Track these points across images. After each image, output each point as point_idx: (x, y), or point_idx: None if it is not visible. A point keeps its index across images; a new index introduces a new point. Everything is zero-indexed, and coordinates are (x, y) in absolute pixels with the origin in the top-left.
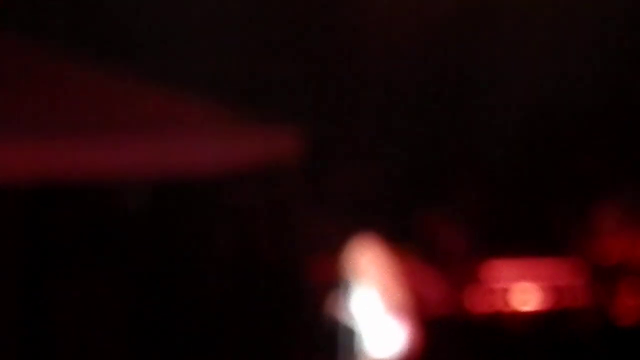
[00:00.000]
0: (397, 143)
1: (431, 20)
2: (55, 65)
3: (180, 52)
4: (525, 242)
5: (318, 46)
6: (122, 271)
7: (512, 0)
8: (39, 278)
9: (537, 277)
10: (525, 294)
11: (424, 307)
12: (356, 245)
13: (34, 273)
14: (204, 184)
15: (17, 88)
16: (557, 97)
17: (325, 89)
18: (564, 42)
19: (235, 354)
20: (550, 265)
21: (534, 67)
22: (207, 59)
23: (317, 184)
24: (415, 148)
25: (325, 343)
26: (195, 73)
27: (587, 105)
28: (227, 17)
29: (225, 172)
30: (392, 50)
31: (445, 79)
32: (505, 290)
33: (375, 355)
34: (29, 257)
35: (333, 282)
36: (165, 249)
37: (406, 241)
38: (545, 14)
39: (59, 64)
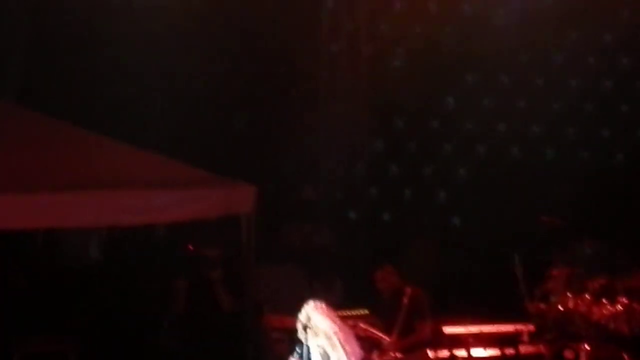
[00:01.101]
0: (348, 202)
1: None
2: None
3: (139, 112)
4: (479, 303)
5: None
6: (76, 318)
7: None
8: None
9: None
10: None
11: (373, 359)
12: (310, 303)
13: None
14: (162, 235)
15: None
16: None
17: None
18: None
19: None
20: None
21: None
22: (166, 116)
23: (271, 239)
24: (369, 205)
25: None
26: (155, 130)
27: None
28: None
29: (183, 224)
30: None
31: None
32: (459, 342)
33: None
34: None
35: (288, 334)
36: (121, 300)
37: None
38: None
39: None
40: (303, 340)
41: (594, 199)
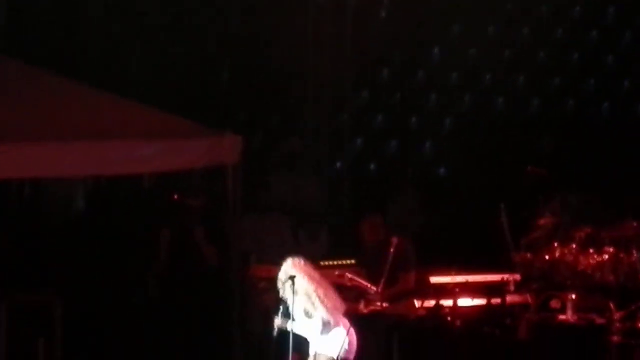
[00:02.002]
0: (339, 151)
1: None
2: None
3: (124, 62)
4: (465, 253)
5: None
6: (63, 276)
7: None
8: None
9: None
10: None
11: (361, 310)
12: (294, 257)
13: None
14: (147, 185)
15: None
16: (502, 107)
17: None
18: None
19: (175, 355)
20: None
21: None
22: (150, 68)
23: (257, 189)
24: (355, 156)
25: (267, 348)
26: (140, 80)
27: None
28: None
29: (168, 174)
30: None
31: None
32: (445, 292)
33: (322, 354)
34: None
35: (273, 288)
36: (106, 251)
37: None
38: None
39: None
40: (286, 297)
41: (579, 149)
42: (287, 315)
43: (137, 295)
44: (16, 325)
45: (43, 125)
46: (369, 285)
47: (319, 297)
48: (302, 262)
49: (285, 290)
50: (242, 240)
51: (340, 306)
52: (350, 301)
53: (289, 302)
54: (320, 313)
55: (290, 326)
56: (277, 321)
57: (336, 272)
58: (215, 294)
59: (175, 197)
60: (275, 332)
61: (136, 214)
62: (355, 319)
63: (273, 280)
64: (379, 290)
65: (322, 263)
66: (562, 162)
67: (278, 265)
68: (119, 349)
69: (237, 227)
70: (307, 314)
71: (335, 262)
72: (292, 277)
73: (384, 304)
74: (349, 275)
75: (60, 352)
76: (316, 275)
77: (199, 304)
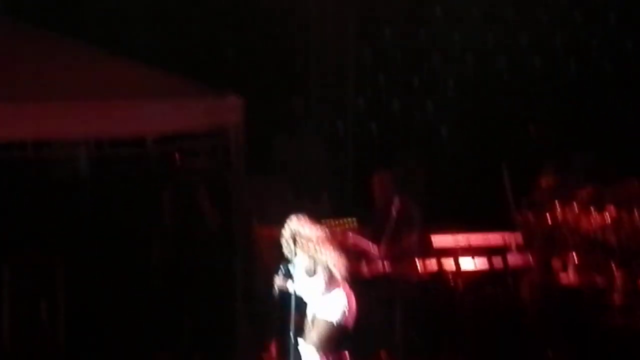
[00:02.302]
0: (341, 112)
1: None
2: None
3: (125, 23)
4: (467, 213)
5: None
6: (66, 237)
7: None
8: None
9: (477, 242)
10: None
11: (363, 271)
12: (298, 215)
13: None
14: (149, 146)
15: None
16: (504, 67)
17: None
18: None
19: (181, 320)
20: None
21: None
22: (154, 28)
23: (260, 150)
24: (361, 115)
25: (269, 309)
26: (142, 41)
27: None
28: None
29: (170, 137)
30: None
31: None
32: (447, 253)
33: (320, 318)
34: None
35: (275, 249)
36: (109, 213)
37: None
38: None
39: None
40: (289, 255)
41: (582, 108)
42: (288, 274)
43: (140, 256)
44: (19, 285)
45: (45, 86)
46: (371, 246)
47: (323, 256)
48: (307, 220)
49: (288, 248)
50: (245, 201)
51: (344, 267)
52: (352, 262)
53: (293, 261)
54: (323, 272)
55: (292, 286)
56: (278, 280)
57: (338, 233)
58: (219, 254)
59: (178, 158)
60: (275, 292)
61: (139, 175)
62: (357, 281)
63: (276, 241)
64: (381, 250)
65: (324, 223)
66: (565, 122)
67: (281, 226)
68: (123, 309)
69: (241, 188)
70: (309, 273)
71: (336, 223)
72: (296, 234)
73: (385, 264)
74: (351, 236)
75: (63, 313)
76: (321, 233)
77: (202, 264)
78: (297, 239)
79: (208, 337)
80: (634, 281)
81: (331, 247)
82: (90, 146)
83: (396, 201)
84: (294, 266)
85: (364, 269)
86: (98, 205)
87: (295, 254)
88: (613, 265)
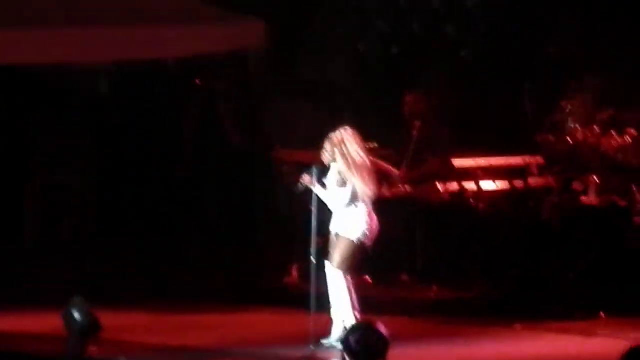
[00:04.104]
0: (366, 32)
1: None
2: None
3: None
4: (488, 135)
5: None
6: (85, 155)
7: None
8: None
9: (499, 163)
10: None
11: (384, 193)
12: (347, 129)
13: None
14: (173, 68)
15: None
16: None
17: None
18: None
19: (205, 236)
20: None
21: None
22: None
23: (281, 74)
24: (387, 36)
25: (288, 230)
26: None
27: None
28: None
29: (193, 58)
30: None
31: None
32: (468, 175)
33: (342, 236)
34: None
35: (298, 168)
36: (133, 132)
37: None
38: None
39: None
40: (328, 160)
41: (602, 29)
42: (318, 178)
43: (163, 177)
44: (45, 205)
45: (65, 11)
46: (391, 168)
47: (355, 174)
48: (358, 137)
49: (330, 153)
50: (267, 123)
51: (371, 189)
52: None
53: (330, 165)
54: (352, 187)
55: (317, 189)
56: (307, 178)
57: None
58: (242, 174)
59: (198, 81)
60: (300, 187)
61: (161, 98)
62: (378, 202)
63: (297, 164)
64: (402, 172)
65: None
66: (587, 43)
67: (303, 149)
68: (146, 229)
69: (263, 110)
70: (339, 184)
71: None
72: (343, 144)
73: (407, 187)
74: (372, 159)
75: (87, 233)
76: (365, 150)
77: (225, 186)
78: (342, 148)
79: (230, 260)
80: None
81: (363, 172)
82: (110, 69)
83: (417, 124)
84: (326, 172)
85: (386, 191)
86: (121, 129)
87: (334, 160)
88: (633, 187)
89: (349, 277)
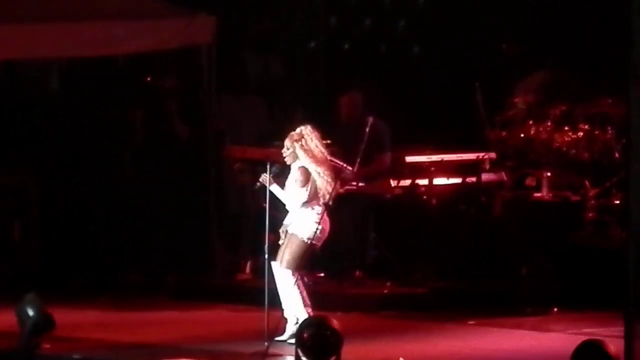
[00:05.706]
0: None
1: None
2: None
3: None
4: (440, 132)
5: None
6: (37, 150)
7: None
8: None
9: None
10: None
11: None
12: (307, 126)
13: None
14: (121, 66)
15: None
16: None
17: None
18: None
19: (156, 233)
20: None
21: None
22: None
23: (231, 69)
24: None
25: (240, 227)
26: None
27: None
28: None
29: (140, 54)
30: None
31: None
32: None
33: (294, 234)
34: None
35: (249, 165)
36: (80, 132)
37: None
38: None
39: None
40: (288, 159)
41: (553, 25)
42: (276, 176)
43: (112, 175)
44: None
45: (17, 8)
46: (344, 165)
47: (316, 172)
48: (318, 135)
49: (291, 151)
50: (217, 120)
51: (328, 187)
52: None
53: (291, 163)
54: (311, 186)
55: (274, 188)
56: (264, 177)
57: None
58: (192, 172)
59: (148, 78)
60: (257, 186)
61: (110, 95)
62: (331, 199)
63: (249, 161)
64: (355, 170)
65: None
66: (538, 39)
67: (253, 146)
68: (95, 229)
69: (213, 107)
70: (299, 183)
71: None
72: (303, 141)
73: (359, 184)
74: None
75: (37, 233)
76: (322, 153)
77: (176, 183)
78: (302, 143)
79: (181, 258)
80: (606, 198)
81: (324, 167)
82: (61, 65)
83: (369, 120)
84: (285, 170)
85: (338, 187)
86: (70, 125)
87: (297, 157)
88: (586, 182)
89: (297, 275)
